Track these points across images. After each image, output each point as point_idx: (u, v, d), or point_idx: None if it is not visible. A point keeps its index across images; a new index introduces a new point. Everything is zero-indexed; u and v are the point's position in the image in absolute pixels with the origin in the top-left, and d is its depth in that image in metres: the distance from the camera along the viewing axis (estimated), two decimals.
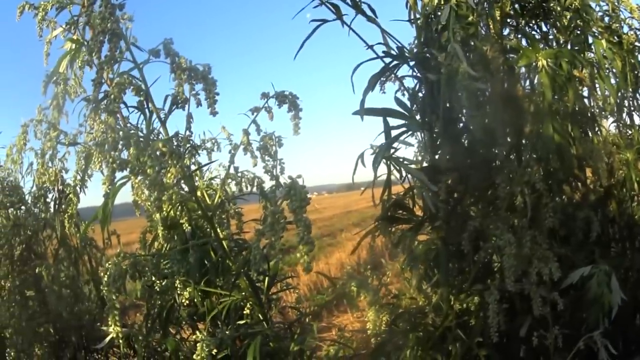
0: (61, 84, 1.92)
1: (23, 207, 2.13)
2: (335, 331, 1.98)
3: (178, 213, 1.73)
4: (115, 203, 2.28)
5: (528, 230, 1.78)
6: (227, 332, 1.62)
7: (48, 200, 2.17)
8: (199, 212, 1.72)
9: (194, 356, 1.56)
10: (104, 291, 1.51)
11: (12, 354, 2.00)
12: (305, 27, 1.74)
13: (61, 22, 1.95)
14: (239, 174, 1.92)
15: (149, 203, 1.74)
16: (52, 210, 2.17)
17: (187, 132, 1.66)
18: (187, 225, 1.74)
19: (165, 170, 1.59)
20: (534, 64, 1.59)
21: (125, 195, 1.91)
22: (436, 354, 1.95)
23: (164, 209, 1.70)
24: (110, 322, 1.49)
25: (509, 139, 1.73)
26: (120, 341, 1.54)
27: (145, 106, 1.63)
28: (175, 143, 1.62)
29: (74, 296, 2.16)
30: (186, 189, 1.74)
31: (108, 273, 1.52)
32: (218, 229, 1.69)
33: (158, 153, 1.52)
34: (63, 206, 2.11)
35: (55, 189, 2.12)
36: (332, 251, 8.59)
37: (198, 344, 1.56)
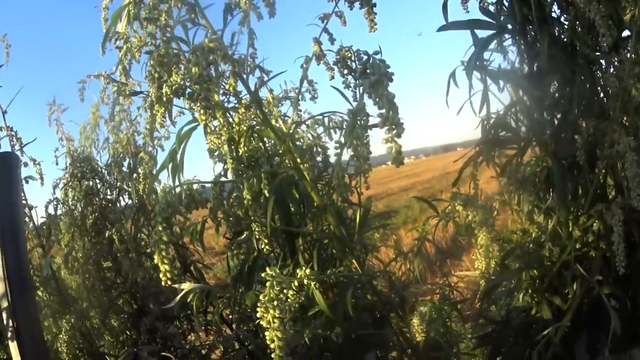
0: (123, 46, 1.57)
1: (97, 179, 1.78)
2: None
3: (251, 146, 1.32)
4: None
5: None
6: (307, 272, 1.16)
7: (124, 168, 1.83)
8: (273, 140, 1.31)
9: (261, 297, 1.11)
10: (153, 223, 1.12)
11: (88, 325, 1.64)
12: None
13: None
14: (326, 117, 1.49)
15: (216, 136, 1.35)
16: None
17: (250, 50, 1.27)
18: (263, 158, 1.33)
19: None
20: None
21: None
22: (552, 296, 1.44)
23: (235, 140, 1.30)
24: (156, 259, 1.08)
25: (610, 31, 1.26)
26: (168, 282, 1.12)
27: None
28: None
29: (153, 262, 1.77)
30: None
31: (159, 201, 1.12)
32: (296, 156, 1.26)
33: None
34: (139, 170, 1.76)
35: (129, 153, 1.77)
36: (433, 213, 7.77)
37: (267, 283, 1.12)
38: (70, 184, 1.73)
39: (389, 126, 0.92)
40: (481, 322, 1.50)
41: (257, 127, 1.33)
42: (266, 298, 1.07)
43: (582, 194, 1.39)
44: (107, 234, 1.72)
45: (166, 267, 1.07)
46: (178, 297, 1.39)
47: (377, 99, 0.95)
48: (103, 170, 1.81)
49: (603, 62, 1.44)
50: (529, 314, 1.48)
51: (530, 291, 1.46)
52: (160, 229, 1.07)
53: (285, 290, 1.11)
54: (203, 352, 1.65)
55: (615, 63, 1.41)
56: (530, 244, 1.43)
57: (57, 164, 1.81)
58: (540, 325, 1.46)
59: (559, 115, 1.41)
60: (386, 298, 1.45)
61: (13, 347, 1.39)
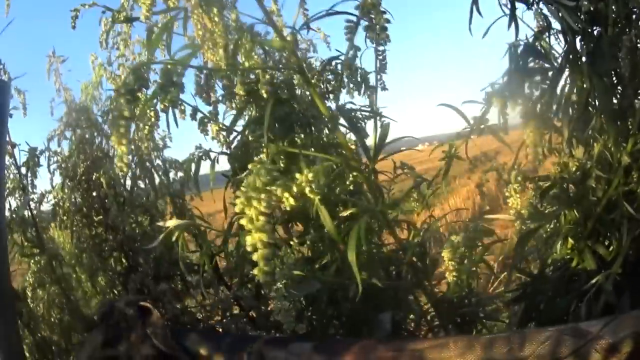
0: None
1: (93, 127, 1.62)
2: None
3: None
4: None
5: None
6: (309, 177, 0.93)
7: None
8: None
9: (242, 185, 0.88)
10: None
11: (73, 285, 1.44)
12: None
13: None
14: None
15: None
16: None
17: None
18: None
19: None
20: None
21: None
22: (596, 244, 1.21)
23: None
24: (114, 140, 0.88)
25: None
26: (124, 168, 0.90)
27: None
28: None
29: (149, 214, 1.57)
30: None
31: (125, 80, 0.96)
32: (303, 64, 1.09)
33: None
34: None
35: None
36: (446, 197, 7.26)
37: (253, 170, 0.89)
38: (64, 133, 1.58)
39: None
40: (514, 276, 1.27)
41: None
42: (249, 187, 0.85)
43: (628, 115, 1.18)
44: (98, 182, 1.54)
45: (123, 148, 0.87)
46: (162, 236, 1.19)
47: None
48: (99, 118, 1.66)
49: None
50: (569, 266, 1.24)
51: (570, 239, 1.22)
52: (122, 101, 0.88)
53: (276, 188, 0.87)
54: (199, 316, 1.43)
55: None
56: (570, 182, 1.21)
57: (52, 114, 1.67)
58: (583, 278, 1.22)
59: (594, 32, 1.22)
60: (405, 242, 1.23)
61: None
